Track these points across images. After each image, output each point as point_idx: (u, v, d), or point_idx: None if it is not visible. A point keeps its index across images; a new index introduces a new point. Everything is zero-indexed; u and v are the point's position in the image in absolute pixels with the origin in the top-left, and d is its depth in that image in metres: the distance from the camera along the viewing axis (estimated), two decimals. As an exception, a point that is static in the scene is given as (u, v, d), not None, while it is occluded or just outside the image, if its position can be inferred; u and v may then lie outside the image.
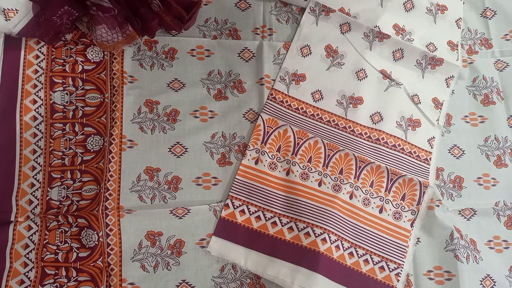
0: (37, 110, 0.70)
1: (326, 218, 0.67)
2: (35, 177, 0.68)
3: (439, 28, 0.83)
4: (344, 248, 0.68)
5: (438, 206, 0.72)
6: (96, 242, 0.65)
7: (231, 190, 0.70)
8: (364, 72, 0.78)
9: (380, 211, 0.71)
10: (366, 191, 0.71)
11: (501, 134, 0.79)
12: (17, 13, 0.67)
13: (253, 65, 0.77)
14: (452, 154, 0.77)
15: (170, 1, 0.69)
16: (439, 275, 0.69)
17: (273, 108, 0.74)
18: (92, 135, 0.71)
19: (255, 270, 0.66)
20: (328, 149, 0.72)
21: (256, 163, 0.71)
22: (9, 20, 0.67)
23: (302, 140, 0.72)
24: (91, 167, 0.69)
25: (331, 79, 0.78)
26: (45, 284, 0.64)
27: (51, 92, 0.72)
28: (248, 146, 0.72)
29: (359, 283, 0.68)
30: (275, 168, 0.71)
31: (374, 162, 0.72)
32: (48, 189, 0.68)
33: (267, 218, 0.69)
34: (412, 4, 0.82)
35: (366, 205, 0.71)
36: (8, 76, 0.71)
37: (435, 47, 0.80)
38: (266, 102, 0.75)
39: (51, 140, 0.70)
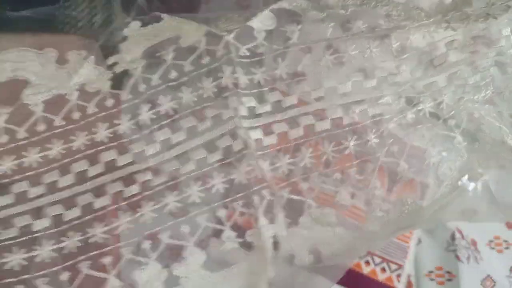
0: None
1: (326, 219, 0.67)
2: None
3: (439, 28, 0.82)
4: (345, 249, 0.68)
5: (438, 206, 0.72)
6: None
7: None
8: (365, 71, 0.78)
9: (381, 212, 0.71)
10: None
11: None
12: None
13: (253, 64, 0.77)
14: (452, 154, 0.77)
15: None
16: (440, 275, 0.69)
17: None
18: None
19: None
20: (328, 150, 0.72)
21: None
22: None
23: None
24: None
25: (331, 79, 0.77)
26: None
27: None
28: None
29: (360, 284, 0.67)
30: None
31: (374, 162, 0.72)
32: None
33: None
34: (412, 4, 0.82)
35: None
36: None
37: (436, 46, 0.80)
38: (266, 102, 0.74)
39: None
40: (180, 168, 0.55)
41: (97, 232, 0.52)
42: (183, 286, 0.52)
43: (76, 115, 0.55)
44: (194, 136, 0.57)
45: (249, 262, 0.55)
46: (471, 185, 0.66)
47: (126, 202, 0.53)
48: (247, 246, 0.56)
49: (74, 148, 0.54)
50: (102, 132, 0.55)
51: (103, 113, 0.55)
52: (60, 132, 0.54)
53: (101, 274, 0.51)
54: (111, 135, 0.55)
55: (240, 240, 0.55)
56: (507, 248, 0.73)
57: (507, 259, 0.73)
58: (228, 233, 0.55)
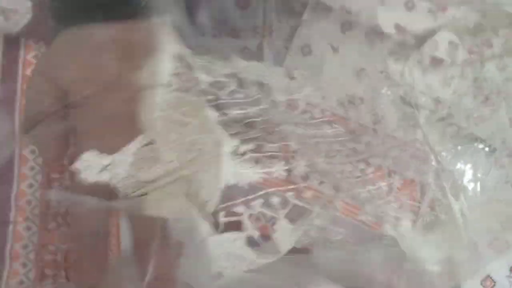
0: (36, 110, 0.70)
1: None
2: (34, 177, 0.68)
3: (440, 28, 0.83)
4: (346, 248, 0.68)
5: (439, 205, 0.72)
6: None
7: None
8: (365, 72, 0.78)
9: (381, 211, 0.71)
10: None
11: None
12: (17, 13, 0.67)
13: (253, 64, 0.77)
14: (453, 153, 0.77)
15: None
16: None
17: (274, 108, 0.74)
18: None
19: None
20: (330, 150, 0.72)
21: None
22: (9, 20, 0.67)
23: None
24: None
25: (331, 79, 0.78)
26: (44, 285, 0.64)
27: (50, 92, 0.71)
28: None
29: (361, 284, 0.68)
30: None
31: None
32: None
33: None
34: (413, 3, 0.82)
35: (368, 205, 0.71)
36: (8, 76, 0.70)
37: (436, 47, 0.80)
38: (267, 101, 0.75)
39: (50, 140, 0.70)
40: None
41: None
42: (405, 245, 0.60)
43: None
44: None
45: (445, 229, 0.64)
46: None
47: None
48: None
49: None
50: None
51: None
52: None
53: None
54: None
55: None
56: (507, 248, 0.73)
57: (507, 259, 0.73)
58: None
